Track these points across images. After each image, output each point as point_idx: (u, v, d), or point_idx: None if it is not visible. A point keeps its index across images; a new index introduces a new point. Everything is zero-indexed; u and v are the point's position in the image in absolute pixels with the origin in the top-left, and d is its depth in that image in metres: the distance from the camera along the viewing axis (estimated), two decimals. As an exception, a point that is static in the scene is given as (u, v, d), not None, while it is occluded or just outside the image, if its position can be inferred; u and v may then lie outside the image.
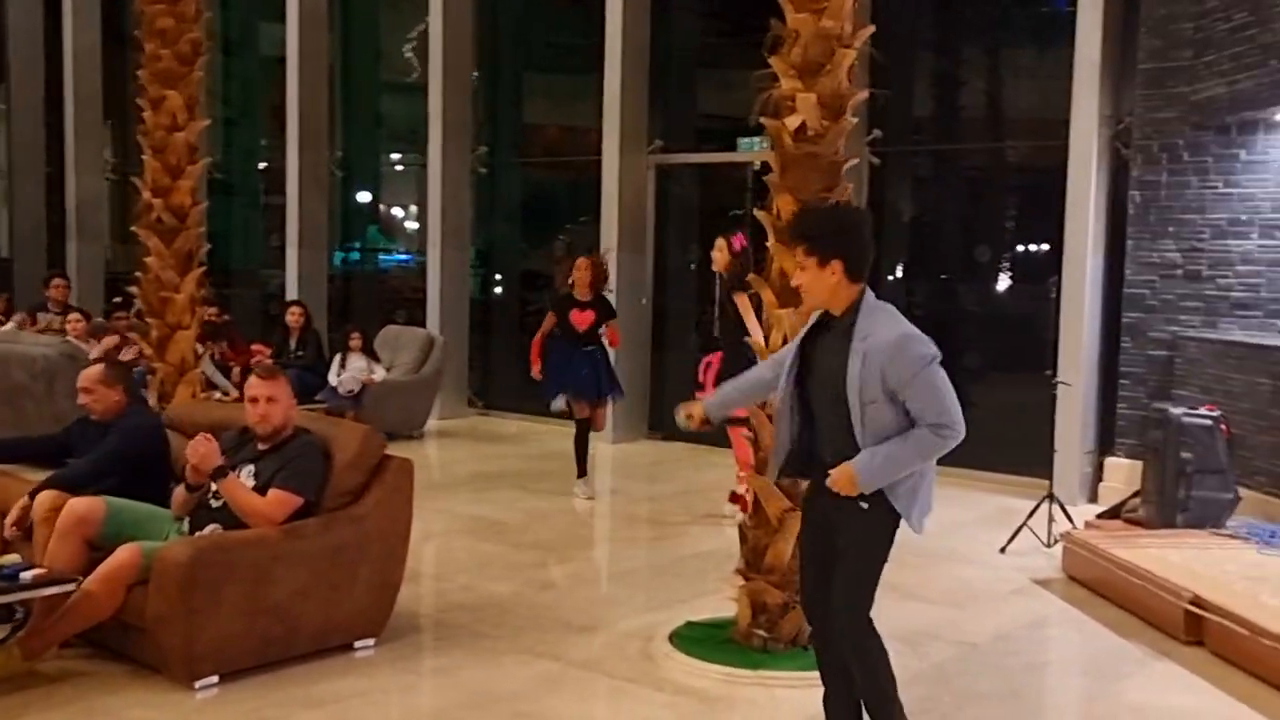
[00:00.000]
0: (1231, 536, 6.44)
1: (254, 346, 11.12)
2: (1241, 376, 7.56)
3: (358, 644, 5.06)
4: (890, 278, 9.99)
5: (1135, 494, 7.37)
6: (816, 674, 4.75)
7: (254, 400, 4.91)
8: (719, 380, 7.06)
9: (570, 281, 8.51)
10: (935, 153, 10.15)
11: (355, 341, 10.47)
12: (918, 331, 3.70)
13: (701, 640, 5.19)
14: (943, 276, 10.32)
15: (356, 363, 10.35)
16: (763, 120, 5.13)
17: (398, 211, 16.10)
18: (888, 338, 3.64)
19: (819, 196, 5.01)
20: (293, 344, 10.92)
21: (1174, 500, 6.69)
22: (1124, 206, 8.43)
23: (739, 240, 7.16)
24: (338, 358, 10.46)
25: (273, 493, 4.84)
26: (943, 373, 3.67)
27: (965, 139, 10.12)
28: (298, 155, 13.07)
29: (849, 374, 3.64)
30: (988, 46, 10.11)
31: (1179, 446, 6.69)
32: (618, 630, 5.46)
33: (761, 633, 5.06)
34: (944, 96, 10.27)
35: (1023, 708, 4.82)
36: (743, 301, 6.94)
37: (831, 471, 3.73)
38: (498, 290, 13.23)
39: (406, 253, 16.04)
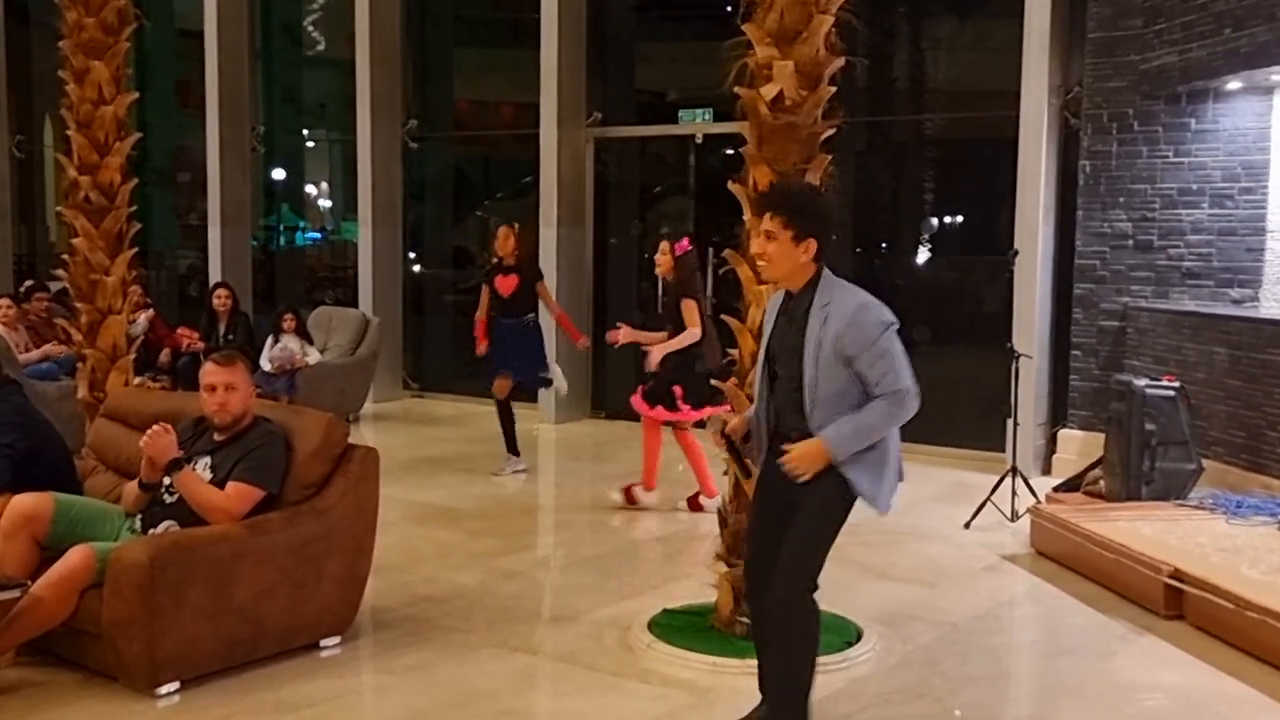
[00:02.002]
0: (1198, 507, 6.44)
1: (180, 331, 10.72)
2: (1195, 346, 7.58)
3: (324, 643, 4.82)
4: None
5: (1092, 466, 7.36)
6: (806, 661, 4.67)
7: (211, 388, 4.63)
8: (647, 393, 7.11)
9: (495, 251, 8.44)
10: (882, 124, 10.05)
11: (288, 323, 10.14)
12: (876, 300, 3.75)
13: (682, 628, 5.02)
14: (885, 248, 10.26)
15: (290, 345, 10.02)
16: (738, 90, 4.94)
17: (310, 189, 15.71)
18: (847, 305, 3.70)
19: (798, 169, 4.84)
20: (221, 328, 10.52)
21: (1138, 472, 6.68)
22: (1074, 177, 8.40)
23: (682, 245, 7.07)
24: (269, 340, 10.12)
25: (232, 486, 4.57)
26: (899, 341, 3.72)
27: (912, 110, 10.04)
28: (218, 131, 12.61)
29: (806, 340, 3.69)
30: (934, 15, 10.04)
31: (1143, 418, 6.67)
32: (592, 620, 5.28)
33: (745, 619, 4.89)
34: (890, 67, 10.16)
35: (1017, 690, 4.75)
36: (689, 307, 6.94)
37: (788, 448, 3.70)
38: (428, 268, 12.90)
39: (320, 230, 15.70)
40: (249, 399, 4.76)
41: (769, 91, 4.82)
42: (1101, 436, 7.40)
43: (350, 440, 4.91)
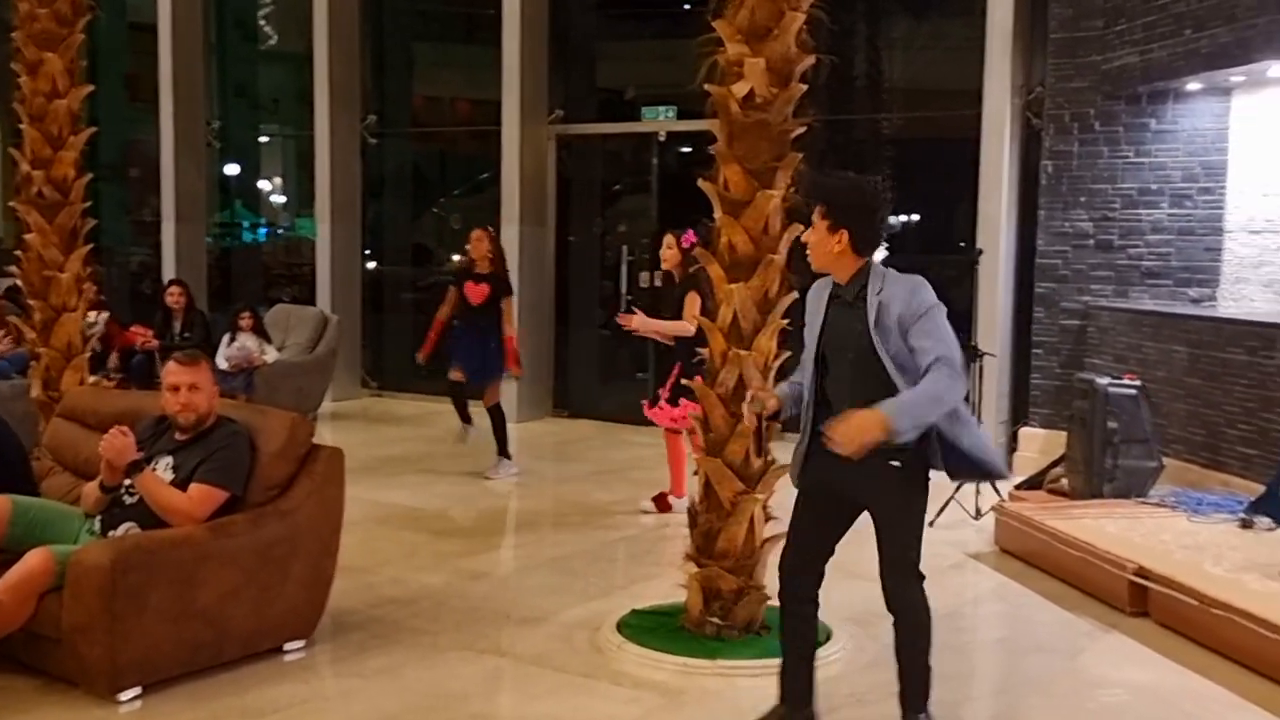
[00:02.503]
0: (1159, 505, 6.49)
1: (134, 329, 10.54)
2: (1155, 345, 7.65)
3: (288, 646, 4.75)
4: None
5: (1054, 464, 7.41)
6: (776, 661, 4.66)
7: (175, 388, 4.54)
8: (674, 390, 6.83)
9: (469, 254, 8.27)
10: (843, 123, 10.06)
11: (245, 321, 10.02)
12: (926, 282, 3.78)
13: (652, 629, 4.99)
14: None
15: (248, 343, 9.90)
16: (709, 87, 4.91)
17: (264, 185, 15.54)
18: (900, 286, 3.74)
19: (768, 167, 4.84)
20: (177, 326, 10.36)
21: (1101, 470, 6.72)
22: (1036, 176, 8.45)
23: (689, 237, 6.89)
24: (226, 338, 9.99)
25: (195, 487, 4.48)
26: (943, 315, 3.75)
27: (873, 109, 10.06)
28: (172, 125, 12.43)
29: (871, 327, 3.68)
30: (899, 14, 10.05)
31: (1105, 416, 6.72)
32: (561, 621, 5.23)
33: (715, 620, 4.88)
34: (852, 66, 10.17)
35: (987, 688, 4.76)
36: (693, 300, 6.68)
37: (829, 427, 3.60)
38: (387, 265, 12.77)
39: (271, 226, 15.55)
40: (213, 399, 4.68)
41: (740, 89, 4.80)
42: (1062, 434, 7.45)
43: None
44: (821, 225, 3.77)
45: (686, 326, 6.66)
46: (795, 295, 4.89)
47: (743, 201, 4.82)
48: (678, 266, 6.96)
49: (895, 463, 3.69)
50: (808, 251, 3.87)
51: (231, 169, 14.24)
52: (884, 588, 3.87)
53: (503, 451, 8.28)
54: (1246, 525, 5.99)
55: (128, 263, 14.58)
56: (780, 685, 4.06)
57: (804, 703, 4.06)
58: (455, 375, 8.19)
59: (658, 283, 8.41)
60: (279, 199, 15.91)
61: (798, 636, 4.05)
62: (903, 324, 3.67)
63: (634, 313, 7.09)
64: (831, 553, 4.01)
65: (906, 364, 3.66)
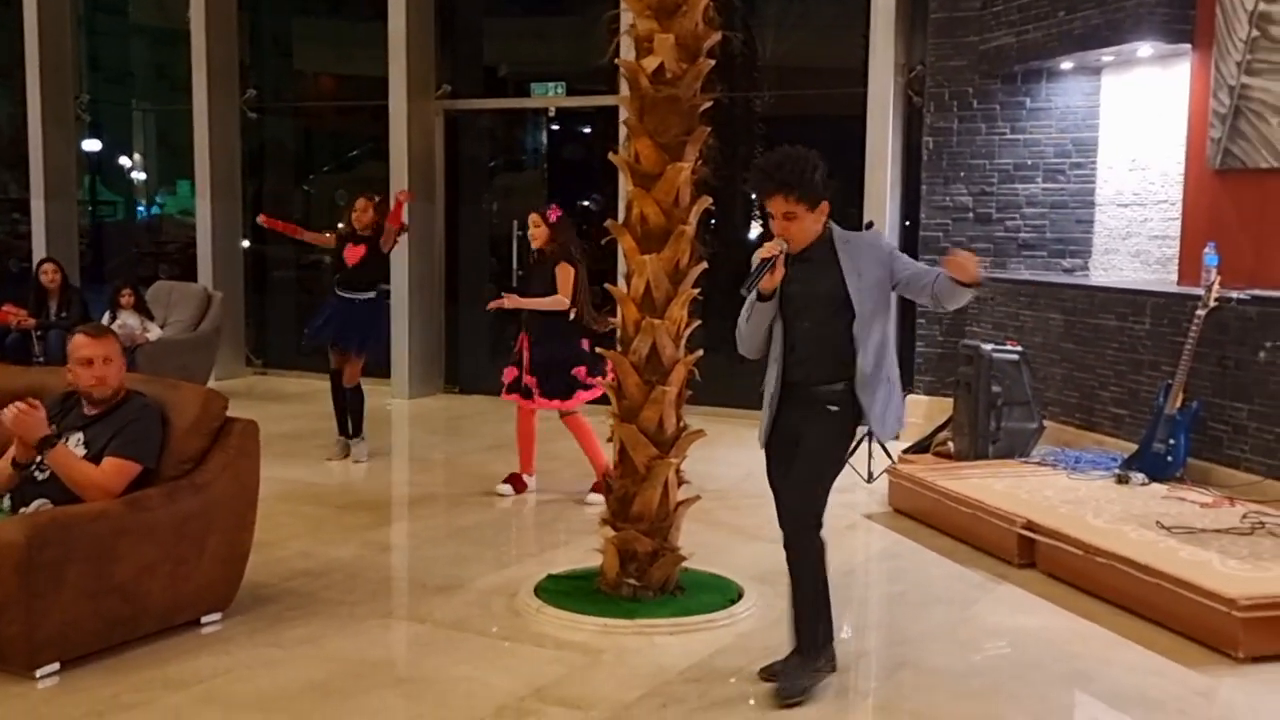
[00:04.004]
0: (1041, 464, 6.82)
1: (6, 308, 10.20)
2: (1032, 313, 8.00)
3: (205, 619, 4.73)
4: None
5: (940, 428, 7.72)
6: (692, 619, 4.84)
7: (88, 361, 4.48)
8: (534, 368, 6.80)
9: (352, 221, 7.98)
10: (738, 100, 10.22)
11: (126, 299, 9.77)
12: None
13: (568, 593, 5.10)
14: (745, 224, 10.46)
15: (129, 321, 9.67)
16: (619, 62, 5.02)
17: (124, 161, 15.15)
18: (857, 238, 4.19)
19: (678, 140, 4.96)
20: (53, 305, 10.07)
21: (985, 432, 7.04)
22: (917, 152, 8.74)
23: (554, 212, 6.92)
24: (106, 316, 9.75)
25: (108, 461, 4.44)
26: None
27: (761, 87, 10.23)
28: (39, 98, 12.03)
29: (846, 276, 4.03)
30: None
31: (989, 380, 7.03)
32: (477, 588, 5.30)
33: (632, 581, 5.01)
34: (740, 44, 10.34)
35: (891, 637, 4.97)
36: (565, 272, 6.75)
37: (959, 255, 3.96)
38: (268, 243, 12.56)
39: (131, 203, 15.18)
40: (122, 372, 4.63)
41: (650, 64, 4.91)
42: (946, 400, 7.77)
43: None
44: (800, 209, 4.00)
45: (561, 299, 6.71)
46: (704, 265, 5.04)
47: (654, 174, 4.93)
48: (548, 242, 6.89)
49: (833, 407, 4.08)
50: (791, 241, 4.03)
51: (91, 145, 13.75)
52: (784, 533, 4.14)
53: (357, 431, 8.04)
54: (1122, 480, 6.35)
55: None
56: (796, 635, 4.22)
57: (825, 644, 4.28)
58: (351, 372, 7.94)
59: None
60: (139, 176, 15.51)
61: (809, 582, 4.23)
62: (881, 266, 4.08)
63: (502, 297, 6.99)
64: None
65: (878, 307, 4.07)
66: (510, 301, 6.91)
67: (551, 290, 6.77)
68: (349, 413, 8.06)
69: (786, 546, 4.16)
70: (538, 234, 6.90)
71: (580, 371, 6.79)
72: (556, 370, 6.80)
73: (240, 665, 4.39)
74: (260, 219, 8.59)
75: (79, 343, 4.55)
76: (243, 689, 4.18)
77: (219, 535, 4.69)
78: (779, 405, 4.17)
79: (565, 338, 6.80)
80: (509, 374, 6.97)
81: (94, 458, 4.45)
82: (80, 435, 4.54)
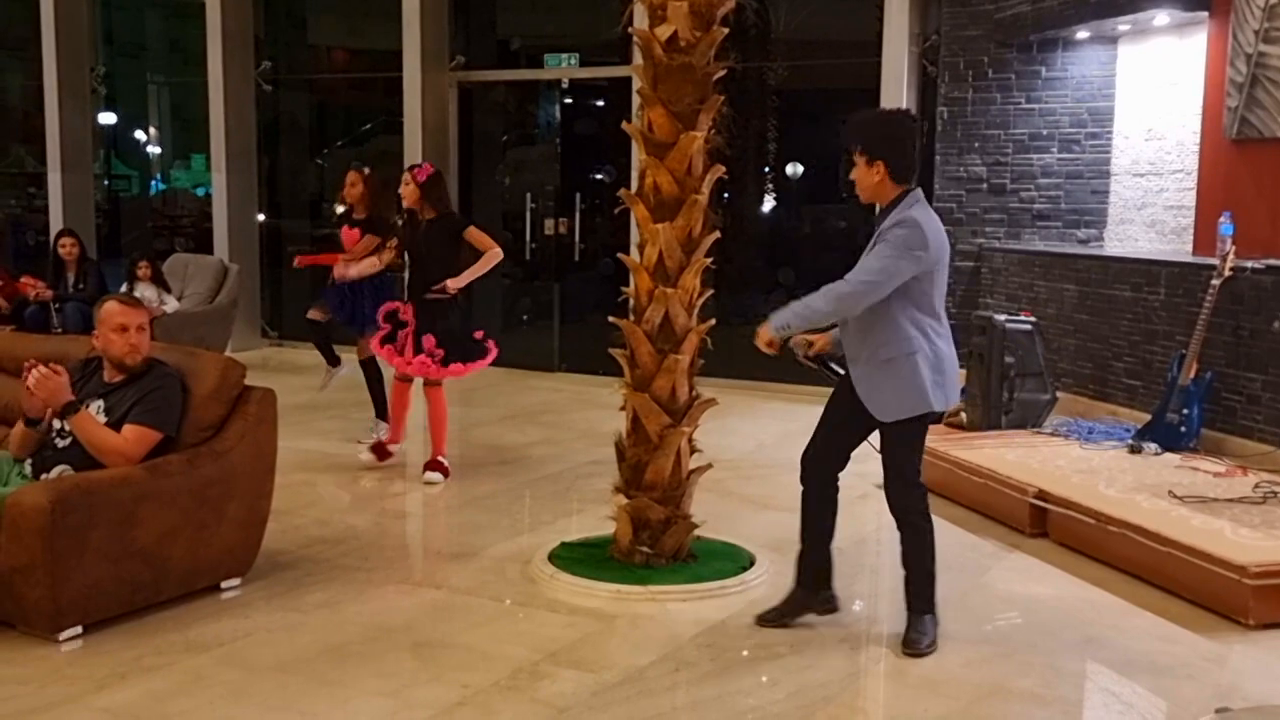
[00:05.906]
0: (1054, 435, 6.83)
1: (24, 280, 10.28)
2: (1046, 284, 8.00)
3: (224, 584, 4.80)
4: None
5: (953, 399, 7.72)
6: (704, 586, 4.88)
7: (124, 329, 4.53)
8: (417, 334, 6.61)
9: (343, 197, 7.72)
10: (751, 71, 10.21)
11: (143, 271, 9.85)
12: (932, 225, 4.09)
13: (582, 560, 5.15)
14: (758, 196, 10.45)
15: (146, 293, 9.74)
16: (632, 30, 5.02)
17: (139, 134, 15.18)
18: (897, 213, 4.09)
19: (691, 109, 4.97)
20: (70, 277, 10.13)
21: (998, 403, 7.06)
22: (932, 123, 8.72)
23: (424, 170, 6.68)
24: (124, 288, 9.81)
25: (129, 428, 4.50)
26: (900, 256, 4.02)
27: (773, 57, 10.22)
28: (55, 72, 12.08)
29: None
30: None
31: (1002, 351, 7.04)
32: (491, 555, 5.36)
33: (645, 549, 5.05)
34: (752, 15, 10.32)
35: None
36: (476, 231, 6.63)
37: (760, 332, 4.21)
38: (284, 217, 12.61)
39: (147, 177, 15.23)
40: (149, 340, 4.69)
41: (664, 32, 4.91)
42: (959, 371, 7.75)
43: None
44: (861, 161, 4.13)
45: (498, 252, 6.64)
46: (717, 234, 5.06)
47: (667, 143, 4.94)
48: (417, 202, 6.65)
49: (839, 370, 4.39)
50: (856, 189, 4.19)
51: (107, 118, 13.78)
52: (890, 498, 4.42)
53: (380, 414, 7.71)
54: (1135, 451, 6.36)
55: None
56: (798, 570, 4.53)
57: (823, 584, 4.56)
58: (313, 314, 7.75)
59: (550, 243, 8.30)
60: (154, 149, 15.55)
61: (818, 519, 4.52)
62: (874, 242, 4.13)
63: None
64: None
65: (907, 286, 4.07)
66: (453, 284, 6.60)
67: (455, 252, 6.61)
68: (369, 390, 7.84)
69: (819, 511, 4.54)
70: (407, 192, 6.67)
71: (479, 334, 6.75)
72: (463, 338, 6.70)
73: (260, 629, 4.45)
74: (297, 261, 8.25)
75: (112, 310, 4.60)
76: (262, 652, 4.24)
77: (238, 501, 4.75)
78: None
79: (456, 303, 6.71)
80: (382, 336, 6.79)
81: (115, 424, 4.51)
82: (101, 402, 4.59)
